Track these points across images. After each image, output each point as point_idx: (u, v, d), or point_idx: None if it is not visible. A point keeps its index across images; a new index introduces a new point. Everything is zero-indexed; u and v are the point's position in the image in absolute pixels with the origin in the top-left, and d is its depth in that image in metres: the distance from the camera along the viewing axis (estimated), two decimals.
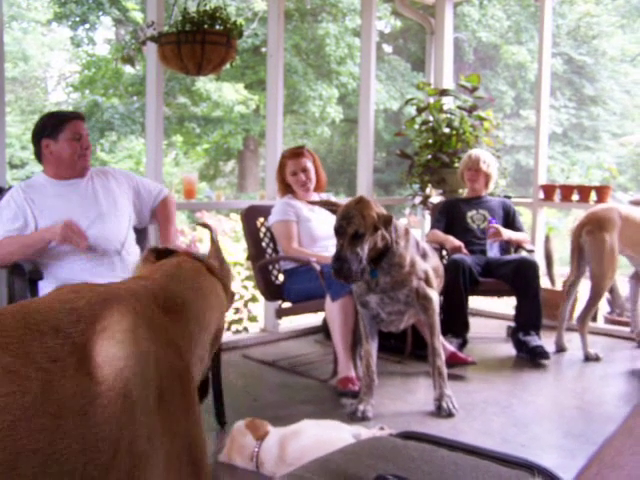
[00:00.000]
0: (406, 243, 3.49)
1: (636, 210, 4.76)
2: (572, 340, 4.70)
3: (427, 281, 3.57)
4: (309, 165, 4.37)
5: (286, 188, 4.43)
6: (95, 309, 1.04)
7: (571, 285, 4.77)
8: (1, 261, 3.10)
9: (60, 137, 3.22)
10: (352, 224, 3.25)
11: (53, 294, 1.12)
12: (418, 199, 5.85)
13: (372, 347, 3.58)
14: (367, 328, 3.59)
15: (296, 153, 4.39)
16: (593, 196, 5.33)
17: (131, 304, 1.09)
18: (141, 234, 3.57)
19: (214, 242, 1.72)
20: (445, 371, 3.59)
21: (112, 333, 1.01)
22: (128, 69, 14.20)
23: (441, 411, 3.50)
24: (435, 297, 3.59)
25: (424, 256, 3.66)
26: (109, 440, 0.95)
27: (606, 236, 4.49)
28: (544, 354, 4.40)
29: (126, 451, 0.97)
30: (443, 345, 4.16)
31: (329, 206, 3.54)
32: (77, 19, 14.58)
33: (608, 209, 4.66)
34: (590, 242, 4.55)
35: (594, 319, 5.57)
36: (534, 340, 4.49)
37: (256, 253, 4.41)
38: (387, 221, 3.31)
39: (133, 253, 3.34)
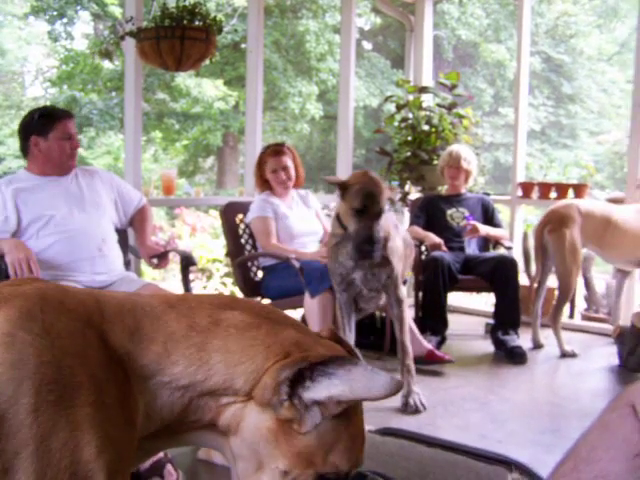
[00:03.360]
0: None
1: (596, 205, 4.82)
2: (549, 336, 4.74)
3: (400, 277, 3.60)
4: (289, 163, 4.36)
5: (264, 184, 4.41)
6: None
7: (539, 283, 4.82)
8: None
9: (50, 136, 3.22)
10: (376, 203, 3.21)
11: None
12: (397, 196, 5.86)
13: (350, 339, 3.59)
14: (345, 319, 3.59)
15: (277, 151, 4.37)
16: (571, 194, 5.37)
17: (26, 307, 0.99)
18: (122, 236, 3.58)
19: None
20: (413, 367, 3.60)
21: None
22: (107, 64, 14.09)
23: (408, 407, 3.49)
24: (405, 294, 3.63)
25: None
26: None
27: (567, 233, 4.55)
28: (522, 355, 4.43)
29: None
30: (420, 342, 4.19)
31: (335, 182, 3.41)
32: (55, 13, 14.44)
33: (567, 206, 4.71)
34: (552, 240, 4.61)
35: (571, 316, 5.63)
36: (513, 340, 4.53)
37: (235, 250, 4.41)
38: (392, 195, 3.32)
39: (114, 252, 3.34)
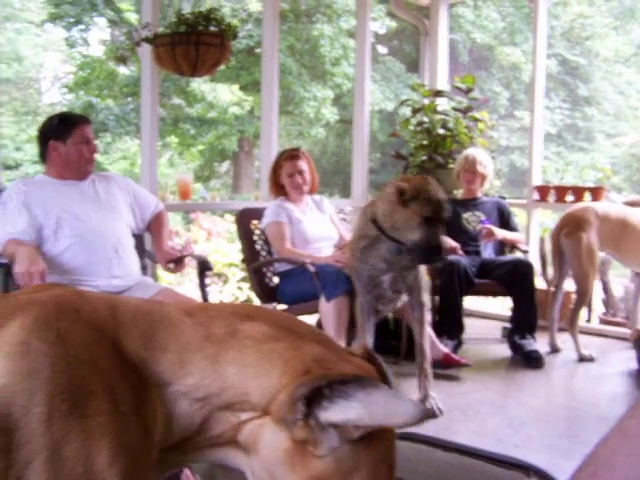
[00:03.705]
0: None
1: (612, 208, 4.78)
2: (567, 341, 4.71)
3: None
4: (305, 167, 4.37)
5: (279, 190, 4.42)
6: None
7: (556, 287, 4.79)
8: None
9: (69, 140, 3.26)
10: (444, 211, 3.26)
11: None
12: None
13: (369, 341, 3.59)
14: (366, 323, 3.59)
15: (293, 155, 4.38)
16: (587, 197, 5.33)
17: (42, 315, 0.98)
18: (138, 241, 3.60)
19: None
20: (431, 372, 3.59)
21: (2, 346, 0.93)
22: (123, 70, 14.19)
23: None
24: (427, 298, 3.65)
25: None
26: None
27: (584, 236, 4.51)
28: (539, 359, 4.41)
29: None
30: (437, 346, 4.18)
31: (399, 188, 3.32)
32: (71, 20, 14.54)
33: (584, 209, 4.68)
34: (569, 244, 4.57)
35: (588, 320, 5.59)
36: (530, 344, 4.51)
37: (250, 255, 4.41)
38: None
39: (130, 255, 3.36)
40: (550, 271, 4.80)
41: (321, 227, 4.40)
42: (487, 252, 4.82)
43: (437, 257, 3.28)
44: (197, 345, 1.04)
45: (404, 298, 3.70)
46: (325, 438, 0.96)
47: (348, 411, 0.93)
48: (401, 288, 3.56)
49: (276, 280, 4.39)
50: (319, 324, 4.02)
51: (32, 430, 0.90)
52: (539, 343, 4.59)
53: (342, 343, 3.80)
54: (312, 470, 0.97)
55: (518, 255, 4.93)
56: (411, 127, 5.91)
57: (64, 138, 3.26)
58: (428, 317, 4.43)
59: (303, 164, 4.37)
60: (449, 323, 4.55)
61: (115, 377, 0.99)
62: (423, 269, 3.59)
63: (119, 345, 1.02)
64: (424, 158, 5.66)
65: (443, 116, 5.76)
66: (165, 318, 1.07)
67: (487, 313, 6.04)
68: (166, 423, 1.03)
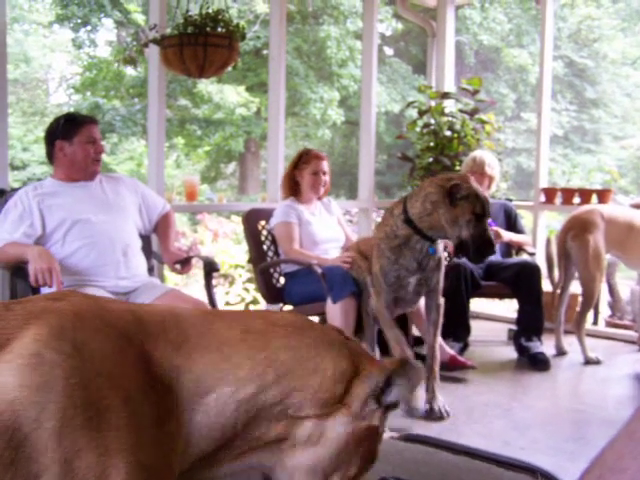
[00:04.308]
0: None
1: (619, 210, 4.77)
2: (573, 343, 4.70)
3: None
4: (327, 170, 4.43)
5: (292, 189, 4.42)
6: (11, 329, 0.94)
7: (562, 289, 4.79)
8: None
9: (75, 140, 3.27)
10: (489, 207, 3.32)
11: None
12: None
13: (406, 351, 3.61)
14: (388, 320, 3.58)
15: (319, 156, 4.44)
16: (594, 199, 5.32)
17: (58, 324, 0.95)
18: (145, 242, 3.61)
19: None
20: (438, 374, 3.60)
21: (13, 357, 0.90)
22: (129, 71, 14.20)
23: (432, 413, 3.50)
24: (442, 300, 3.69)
25: None
26: None
27: (590, 239, 4.50)
28: (545, 362, 4.42)
29: None
30: (443, 348, 4.18)
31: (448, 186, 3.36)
32: (79, 21, 14.58)
33: (590, 211, 4.67)
34: (575, 246, 4.56)
35: (595, 322, 5.58)
36: (536, 347, 4.51)
37: (257, 256, 4.42)
38: None
39: (138, 257, 3.37)
40: (556, 273, 4.79)
41: (329, 229, 4.41)
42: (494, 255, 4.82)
43: (490, 251, 3.34)
44: (239, 339, 1.03)
45: (420, 301, 3.72)
46: (385, 417, 1.07)
47: (399, 392, 1.05)
48: (422, 290, 3.59)
49: (283, 281, 4.39)
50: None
51: (43, 445, 0.88)
52: (545, 345, 4.58)
53: None
54: (373, 444, 1.06)
55: (525, 257, 4.92)
56: (417, 129, 5.91)
57: (70, 138, 3.27)
58: None
59: (326, 166, 4.41)
60: (455, 325, 4.54)
61: (138, 390, 0.96)
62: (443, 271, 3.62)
63: (148, 356, 1.00)
64: (430, 160, 5.66)
65: (450, 118, 5.76)
66: (195, 322, 1.06)
67: (493, 315, 6.03)
68: (190, 437, 1.00)
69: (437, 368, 3.58)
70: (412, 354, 3.64)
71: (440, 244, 3.56)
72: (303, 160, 4.41)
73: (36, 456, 0.88)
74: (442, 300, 3.64)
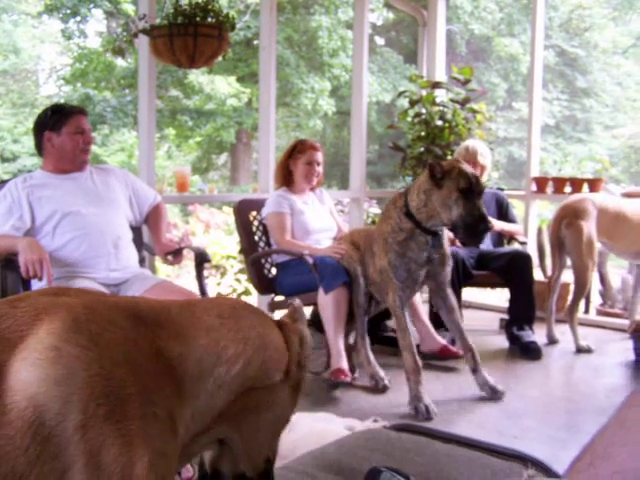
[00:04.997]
0: None
1: (609, 199, 4.79)
2: (565, 332, 4.72)
3: None
4: (321, 161, 4.42)
5: (285, 178, 4.40)
6: (22, 326, 0.94)
7: (554, 278, 4.80)
8: None
9: (63, 130, 3.24)
10: (479, 182, 3.29)
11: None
12: None
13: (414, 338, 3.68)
14: (404, 316, 3.60)
15: (314, 146, 4.41)
16: (585, 188, 5.34)
17: (70, 318, 0.96)
18: (136, 233, 3.59)
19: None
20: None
21: (29, 353, 0.91)
22: (120, 62, 14.15)
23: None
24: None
25: None
26: (12, 476, 0.86)
27: (584, 226, 4.51)
28: (537, 351, 4.43)
29: None
30: (434, 338, 4.20)
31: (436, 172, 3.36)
32: (68, 11, 14.49)
33: (582, 200, 4.68)
34: (570, 234, 4.57)
35: (586, 311, 5.60)
36: (527, 335, 4.52)
37: (248, 246, 4.41)
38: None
39: (129, 249, 3.36)
40: (548, 262, 4.80)
41: (321, 219, 4.40)
42: (485, 243, 4.82)
43: (484, 227, 3.27)
44: (218, 323, 1.12)
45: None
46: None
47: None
48: (426, 282, 3.65)
49: (274, 271, 4.39)
50: (317, 315, 4.02)
51: (68, 438, 0.89)
52: (537, 334, 4.60)
53: (341, 334, 3.81)
54: (296, 404, 1.24)
55: (516, 246, 4.93)
56: (409, 119, 5.91)
57: (58, 128, 3.24)
58: (424, 309, 4.45)
59: (321, 157, 4.41)
60: None
61: (153, 378, 0.98)
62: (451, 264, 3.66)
63: (157, 345, 1.02)
64: (422, 150, 5.66)
65: (441, 107, 5.76)
66: (182, 312, 1.13)
67: (485, 304, 6.05)
68: (194, 417, 1.05)
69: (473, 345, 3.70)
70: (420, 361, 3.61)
71: (445, 238, 3.57)
72: (298, 150, 4.39)
73: (61, 450, 0.88)
74: (449, 290, 3.70)
